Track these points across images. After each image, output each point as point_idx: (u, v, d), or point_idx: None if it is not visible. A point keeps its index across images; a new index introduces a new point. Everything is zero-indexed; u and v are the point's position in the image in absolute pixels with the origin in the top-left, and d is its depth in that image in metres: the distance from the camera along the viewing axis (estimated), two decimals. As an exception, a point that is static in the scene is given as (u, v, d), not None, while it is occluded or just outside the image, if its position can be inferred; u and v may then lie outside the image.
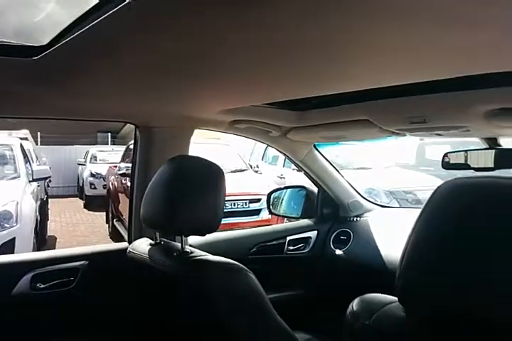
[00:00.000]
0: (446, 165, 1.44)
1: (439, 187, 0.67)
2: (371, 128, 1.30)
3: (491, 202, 0.60)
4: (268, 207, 2.08)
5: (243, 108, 1.28)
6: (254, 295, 0.98)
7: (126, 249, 1.22)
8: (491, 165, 1.37)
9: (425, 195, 5.52)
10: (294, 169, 5.99)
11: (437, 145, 6.84)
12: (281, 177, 6.44)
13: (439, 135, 1.26)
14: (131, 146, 1.72)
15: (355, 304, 0.74)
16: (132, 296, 1.25)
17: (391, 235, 1.83)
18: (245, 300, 0.98)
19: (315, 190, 2.00)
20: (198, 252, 1.08)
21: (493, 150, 1.36)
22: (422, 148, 7.07)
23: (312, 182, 1.96)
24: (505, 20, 0.56)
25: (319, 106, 1.30)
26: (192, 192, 1.02)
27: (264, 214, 4.87)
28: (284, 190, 2.09)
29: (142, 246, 1.17)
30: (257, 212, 4.91)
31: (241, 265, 1.01)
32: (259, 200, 4.87)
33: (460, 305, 0.58)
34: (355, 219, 1.98)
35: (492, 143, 1.36)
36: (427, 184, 5.68)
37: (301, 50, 0.71)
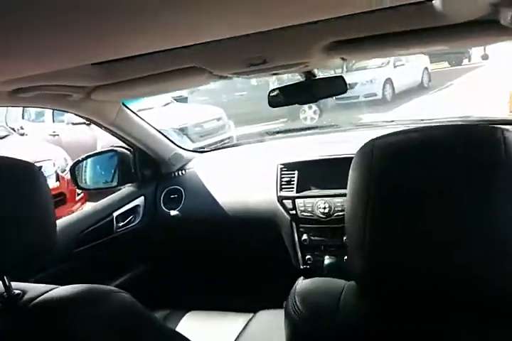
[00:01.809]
0: (273, 99, 1.38)
1: (366, 147, 0.57)
2: (198, 75, 1.09)
3: (428, 156, 0.54)
4: (75, 183, 1.70)
5: None
6: (132, 317, 0.77)
7: None
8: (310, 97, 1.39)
9: (211, 125, 5.72)
10: (68, 123, 5.25)
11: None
12: (54, 135, 5.57)
13: (275, 74, 1.16)
14: None
15: (299, 303, 0.62)
16: None
17: (220, 180, 1.77)
18: (122, 325, 0.76)
19: (127, 151, 1.72)
20: (34, 289, 0.76)
21: (311, 82, 1.36)
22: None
23: (126, 144, 1.66)
24: None
25: (131, 56, 0.99)
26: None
27: (50, 182, 4.21)
28: (89, 159, 1.72)
29: None
30: (40, 181, 4.19)
31: (107, 287, 0.76)
32: (39, 168, 4.13)
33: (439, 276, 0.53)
34: (180, 173, 1.83)
35: (310, 75, 1.34)
36: (210, 113, 5.83)
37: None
